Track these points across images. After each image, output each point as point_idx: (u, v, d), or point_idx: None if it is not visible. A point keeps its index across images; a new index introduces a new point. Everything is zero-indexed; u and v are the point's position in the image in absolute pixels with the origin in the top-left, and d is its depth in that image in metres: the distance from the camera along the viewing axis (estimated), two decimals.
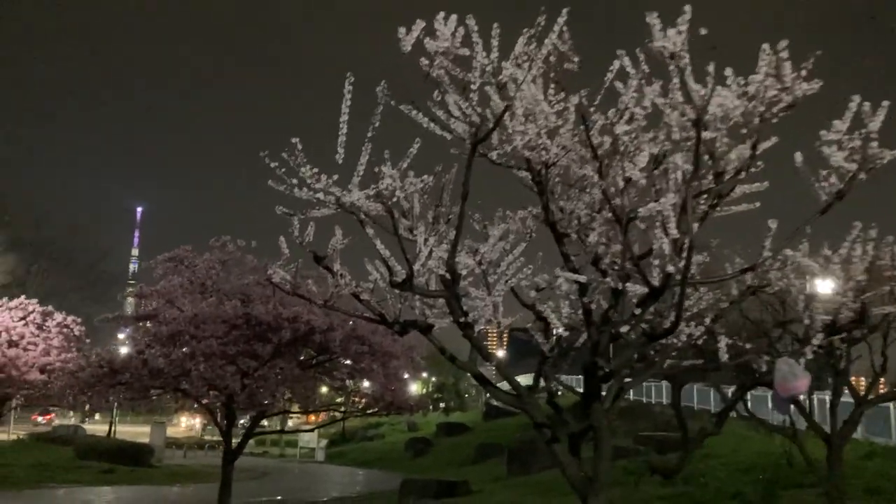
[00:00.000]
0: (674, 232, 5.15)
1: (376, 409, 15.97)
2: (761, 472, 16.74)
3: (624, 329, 5.66)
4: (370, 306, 6.77)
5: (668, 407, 25.87)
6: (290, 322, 13.41)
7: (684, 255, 4.98)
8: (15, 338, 24.66)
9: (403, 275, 6.03)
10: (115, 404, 15.10)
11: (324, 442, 46.06)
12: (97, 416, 61.47)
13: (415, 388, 39.60)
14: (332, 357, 14.44)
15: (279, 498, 19.82)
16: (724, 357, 5.77)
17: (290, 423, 61.56)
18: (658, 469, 14.24)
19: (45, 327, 25.20)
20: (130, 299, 16.55)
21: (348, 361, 14.69)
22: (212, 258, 15.65)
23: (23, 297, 25.40)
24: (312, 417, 63.71)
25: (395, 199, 5.74)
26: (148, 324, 13.86)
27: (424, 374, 49.86)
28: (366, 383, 17.20)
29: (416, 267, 5.91)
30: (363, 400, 15.45)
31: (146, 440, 41.44)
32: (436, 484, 22.78)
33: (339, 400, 16.84)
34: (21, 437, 44.84)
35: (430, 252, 5.98)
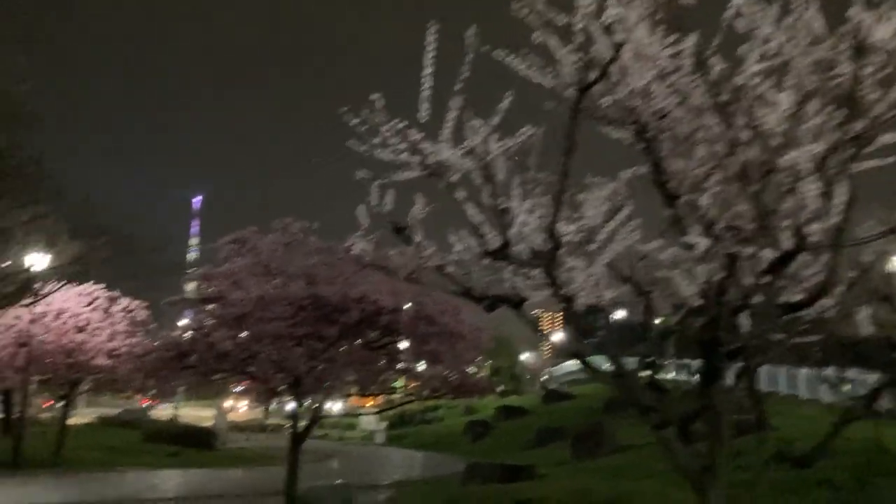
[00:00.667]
0: (816, 186, 4.44)
1: (442, 392, 15.47)
2: (850, 458, 15.75)
3: (757, 299, 4.96)
4: (456, 280, 6.19)
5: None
6: (358, 302, 12.96)
7: (834, 210, 4.26)
8: (82, 323, 24.90)
9: (497, 242, 5.43)
10: (180, 389, 15.02)
11: (383, 425, 45.98)
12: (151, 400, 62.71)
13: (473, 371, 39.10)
14: (399, 338, 13.94)
15: (342, 481, 19.53)
16: (868, 329, 5.03)
17: (335, 406, 62.10)
18: (788, 457, 13.22)
19: (110, 312, 25.37)
20: (190, 286, 16.23)
21: (409, 343, 14.21)
22: (275, 240, 15.27)
23: (91, 282, 25.58)
24: (370, 401, 63.98)
25: (488, 158, 5.12)
26: (213, 306, 13.56)
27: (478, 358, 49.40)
28: (426, 366, 16.77)
29: (512, 232, 5.29)
30: (429, 383, 14.94)
31: (208, 424, 42.04)
32: (500, 468, 22.24)
33: (400, 383, 16.37)
34: (91, 421, 45.81)
35: (527, 217, 5.36)
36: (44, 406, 51.84)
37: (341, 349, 13.38)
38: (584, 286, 5.68)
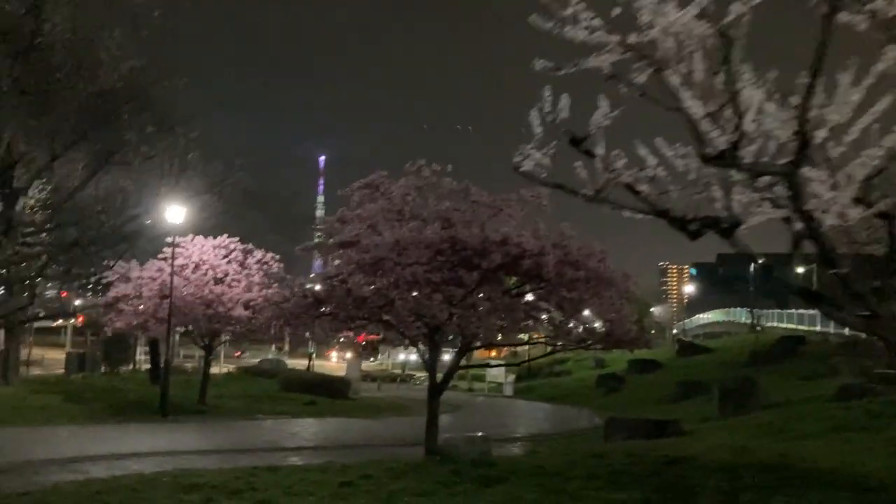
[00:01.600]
0: None
1: (588, 343, 14.28)
2: None
3: None
4: (650, 200, 5.00)
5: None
6: (500, 245, 11.93)
7: None
8: (220, 275, 25.27)
9: (722, 143, 4.19)
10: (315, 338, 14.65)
11: (511, 377, 45.35)
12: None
13: None
14: (542, 285, 12.82)
15: (480, 434, 18.87)
16: None
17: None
18: None
19: (246, 265, 25.62)
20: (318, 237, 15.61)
21: (553, 290, 13.06)
22: (407, 184, 14.41)
23: (225, 235, 25.87)
24: (493, 353, 63.39)
25: (727, 20, 3.86)
26: (349, 252, 12.87)
27: None
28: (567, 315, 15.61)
29: (746, 128, 4.04)
30: (574, 333, 13.79)
31: (340, 374, 42.75)
32: (645, 423, 21.01)
33: (539, 335, 15.28)
34: (230, 370, 47.67)
35: (763, 105, 4.09)
36: (237, 355, 54.60)
37: (481, 296, 12.43)
38: (834, 202, 4.35)
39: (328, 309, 12.51)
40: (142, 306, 24.75)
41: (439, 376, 15.22)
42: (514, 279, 13.54)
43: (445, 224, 12.84)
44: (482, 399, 39.46)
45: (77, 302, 60.92)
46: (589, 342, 14.21)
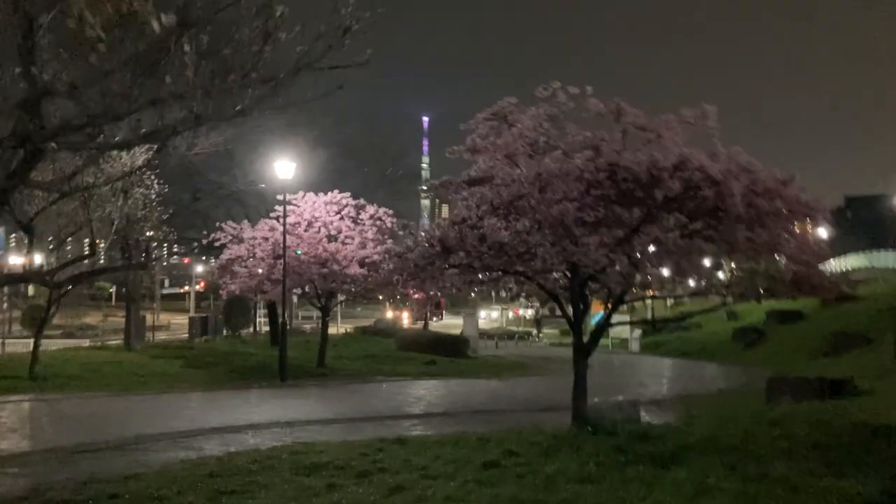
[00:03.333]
0: None
1: (771, 292, 11.66)
2: None
3: None
4: None
5: None
6: (677, 170, 9.48)
7: None
8: (333, 232, 23.83)
9: None
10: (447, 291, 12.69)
11: (637, 332, 42.53)
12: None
13: None
14: (725, 221, 10.25)
15: (626, 398, 16.67)
16: None
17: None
18: None
19: (359, 220, 24.03)
20: (426, 202, 13.27)
21: (736, 227, 10.45)
22: (539, 112, 12.03)
23: (336, 190, 24.34)
24: (601, 306, 60.09)
25: None
26: (482, 190, 10.69)
27: None
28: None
29: None
30: (756, 279, 11.17)
31: (457, 332, 41.25)
32: (813, 382, 18.17)
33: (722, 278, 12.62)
34: (347, 330, 47.10)
35: None
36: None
37: (649, 237, 10.04)
38: None
39: (458, 259, 10.48)
40: (256, 268, 23.67)
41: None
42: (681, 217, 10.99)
43: (594, 154, 10.48)
44: (608, 356, 36.95)
45: (199, 269, 62.20)
46: (776, 290, 11.57)
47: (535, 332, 52.98)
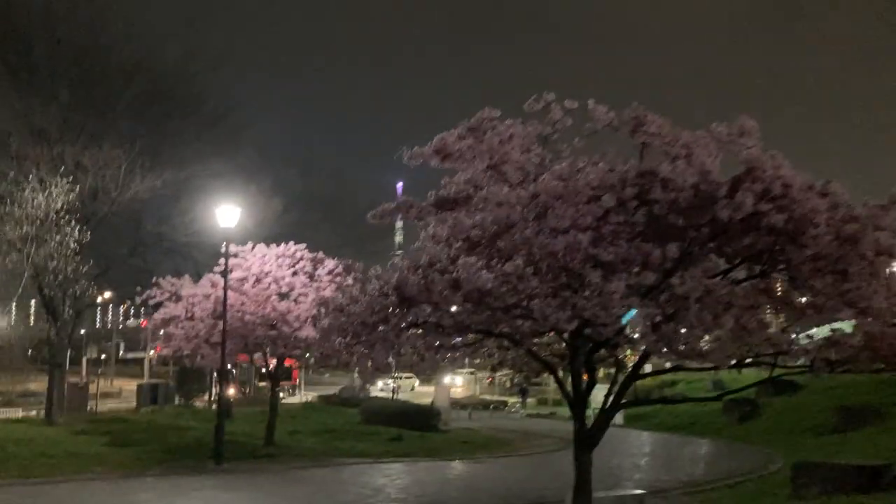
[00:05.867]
0: None
1: (835, 362, 8.51)
2: None
3: None
4: None
5: None
6: (747, 181, 6.37)
7: None
8: (285, 289, 20.44)
9: None
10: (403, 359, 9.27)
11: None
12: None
13: None
14: (795, 262, 7.13)
15: (634, 492, 13.37)
16: None
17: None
18: None
19: (316, 276, 20.70)
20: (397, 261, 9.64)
21: (813, 272, 7.31)
22: (528, 132, 8.99)
23: (291, 242, 21.09)
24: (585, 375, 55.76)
25: None
26: (453, 218, 7.46)
27: None
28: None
29: None
30: (846, 345, 7.94)
31: (427, 401, 37.51)
32: (852, 470, 15.00)
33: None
34: (309, 399, 43.13)
35: None
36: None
37: (692, 282, 6.84)
38: None
39: (422, 314, 7.26)
40: (194, 329, 20.16)
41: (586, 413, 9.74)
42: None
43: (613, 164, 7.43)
44: None
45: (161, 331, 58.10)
46: (834, 361, 8.42)
47: (518, 402, 49.06)
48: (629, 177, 6.74)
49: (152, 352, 57.46)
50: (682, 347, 6.51)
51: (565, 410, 46.31)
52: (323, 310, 7.99)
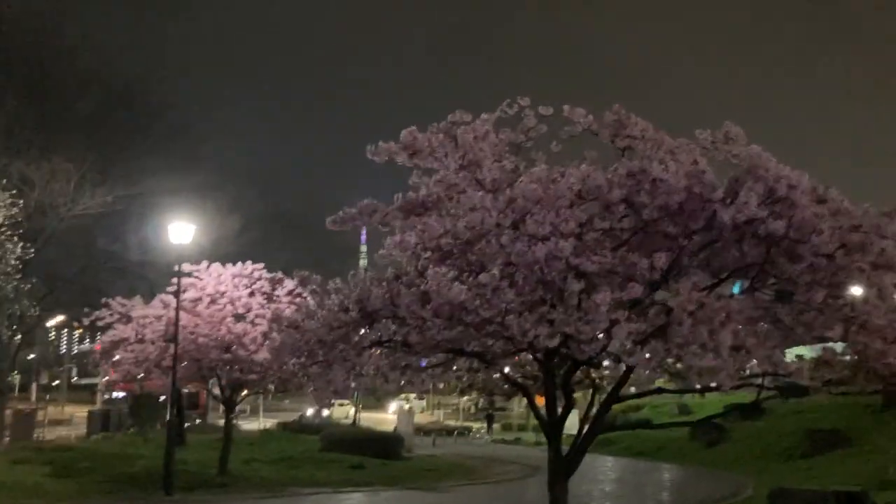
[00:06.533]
0: None
1: (830, 382, 7.98)
2: None
3: None
4: None
5: None
6: (749, 180, 5.78)
7: None
8: (241, 310, 19.46)
9: None
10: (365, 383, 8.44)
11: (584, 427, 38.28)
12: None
13: None
14: (780, 276, 6.58)
15: None
16: None
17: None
18: None
19: (274, 297, 19.77)
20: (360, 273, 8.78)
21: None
22: (500, 140, 8.38)
23: (248, 262, 20.14)
24: (541, 399, 54.29)
25: None
26: (421, 224, 6.75)
27: None
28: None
29: None
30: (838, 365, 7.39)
31: (389, 428, 36.49)
32: (829, 496, 14.53)
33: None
34: (268, 427, 41.71)
35: None
36: None
37: (684, 295, 6.21)
38: None
39: (386, 331, 6.51)
40: (144, 352, 19.04)
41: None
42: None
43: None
44: None
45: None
46: (828, 381, 7.88)
47: (483, 428, 48.08)
48: (618, 177, 6.10)
49: (106, 378, 55.54)
50: (678, 366, 5.84)
51: (530, 436, 45.52)
52: (276, 326, 7.19)
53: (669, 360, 5.94)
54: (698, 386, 6.73)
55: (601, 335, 6.28)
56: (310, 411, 48.28)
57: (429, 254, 6.67)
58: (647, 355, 5.85)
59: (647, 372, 5.89)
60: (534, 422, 50.85)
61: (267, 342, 17.59)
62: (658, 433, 37.52)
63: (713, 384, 5.77)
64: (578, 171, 6.37)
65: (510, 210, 6.41)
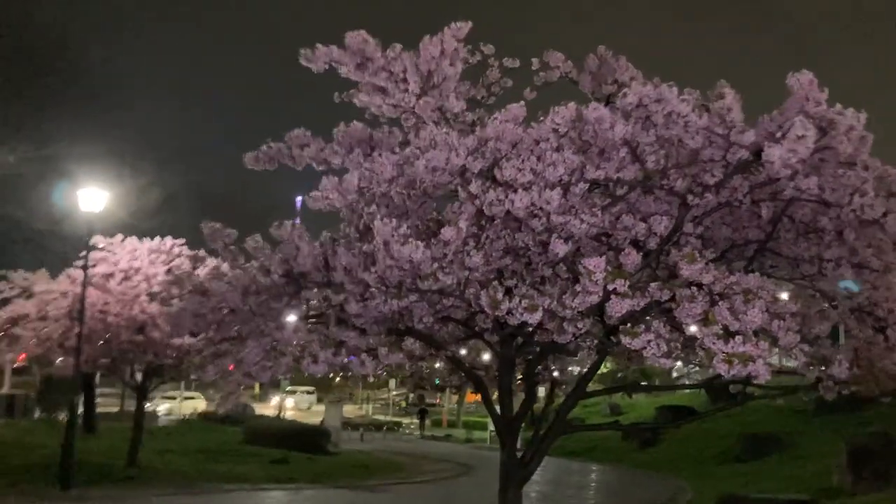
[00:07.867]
0: None
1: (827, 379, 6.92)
2: None
3: None
4: None
5: None
6: (794, 110, 4.55)
7: None
8: (157, 289, 17.59)
9: None
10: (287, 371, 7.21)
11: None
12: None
13: None
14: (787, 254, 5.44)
15: None
16: None
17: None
18: None
19: (195, 276, 17.91)
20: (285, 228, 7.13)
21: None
22: (459, 91, 7.02)
23: (168, 237, 18.26)
24: (472, 396, 53.13)
25: None
26: (369, 160, 5.32)
27: None
28: None
29: None
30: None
31: (317, 421, 34.81)
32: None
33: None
34: (187, 416, 39.40)
35: None
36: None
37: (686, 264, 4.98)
38: None
39: (315, 297, 5.07)
40: (45, 330, 16.98)
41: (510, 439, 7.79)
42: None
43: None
44: (488, 453, 31.63)
45: None
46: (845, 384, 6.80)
47: (414, 424, 46.65)
48: (624, 106, 4.78)
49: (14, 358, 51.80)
50: (700, 353, 4.58)
51: (461, 433, 44.37)
52: (176, 290, 5.63)
53: (677, 346, 4.69)
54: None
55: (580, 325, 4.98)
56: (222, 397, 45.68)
57: (373, 208, 5.25)
58: (649, 338, 4.57)
59: (661, 359, 4.59)
60: (464, 418, 49.89)
61: (164, 310, 15.78)
62: (588, 434, 36.87)
63: (745, 374, 4.49)
64: (566, 108, 5.06)
65: (480, 154, 5.05)
